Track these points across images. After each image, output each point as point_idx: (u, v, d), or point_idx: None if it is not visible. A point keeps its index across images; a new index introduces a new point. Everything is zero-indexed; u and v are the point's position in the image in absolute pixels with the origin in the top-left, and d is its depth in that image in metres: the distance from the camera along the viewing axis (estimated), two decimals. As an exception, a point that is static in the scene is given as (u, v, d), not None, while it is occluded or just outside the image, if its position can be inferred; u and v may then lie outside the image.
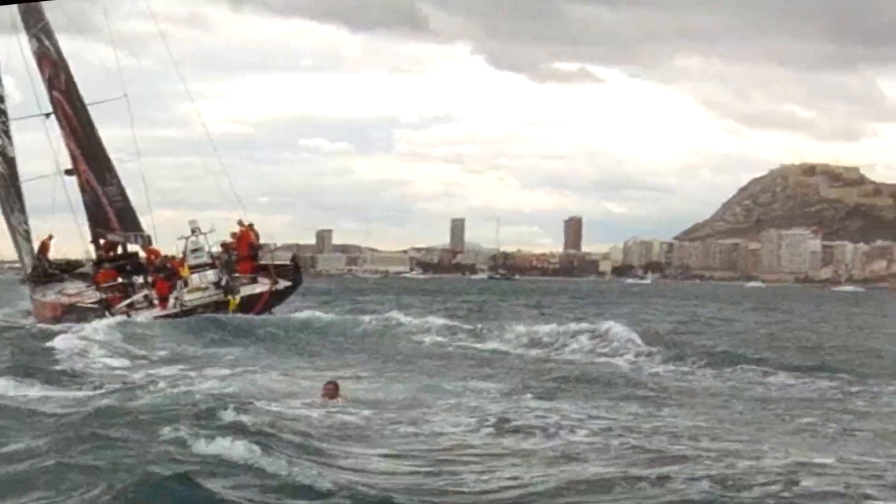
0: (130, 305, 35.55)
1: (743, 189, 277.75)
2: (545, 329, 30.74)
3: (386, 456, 13.12)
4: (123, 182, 40.34)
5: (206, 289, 35.67)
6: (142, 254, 39.48)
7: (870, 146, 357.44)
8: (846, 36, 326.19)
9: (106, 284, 36.53)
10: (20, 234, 40.36)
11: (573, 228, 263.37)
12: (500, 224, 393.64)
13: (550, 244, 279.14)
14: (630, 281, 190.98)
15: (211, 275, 35.97)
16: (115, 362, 24.10)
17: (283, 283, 37.00)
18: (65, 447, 12.05)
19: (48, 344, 25.92)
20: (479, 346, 29.41)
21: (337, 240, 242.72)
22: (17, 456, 11.93)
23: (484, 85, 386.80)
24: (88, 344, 26.29)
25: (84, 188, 40.01)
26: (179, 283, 35.66)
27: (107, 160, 40.47)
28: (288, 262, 39.27)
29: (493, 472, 12.03)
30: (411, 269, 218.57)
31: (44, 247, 40.11)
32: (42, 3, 44.17)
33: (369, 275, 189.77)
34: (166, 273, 36.56)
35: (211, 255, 36.63)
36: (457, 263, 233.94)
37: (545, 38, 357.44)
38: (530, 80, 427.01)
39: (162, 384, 19.36)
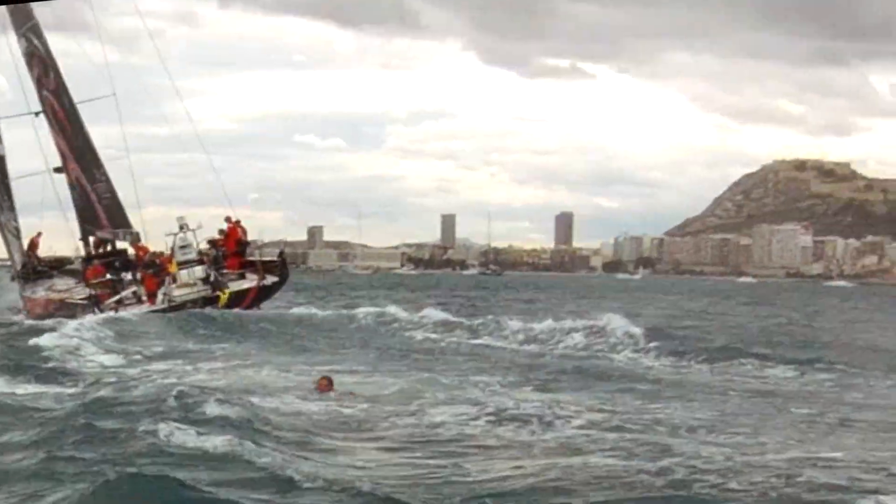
0: (119, 301, 35.74)
1: (734, 184, 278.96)
2: (541, 326, 30.60)
3: (382, 448, 13.00)
4: (113, 179, 40.57)
5: (195, 285, 36.03)
6: (131, 250, 39.57)
7: (861, 141, 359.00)
8: (837, 31, 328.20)
9: (95, 281, 36.73)
10: (10, 231, 40.59)
11: (564, 224, 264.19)
12: (492, 219, 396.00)
13: (542, 240, 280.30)
14: (621, 276, 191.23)
15: (199, 271, 36.28)
16: (105, 358, 23.92)
17: (270, 279, 37.34)
18: (51, 439, 12.02)
19: (37, 340, 25.76)
20: (474, 341, 29.30)
21: (328, 236, 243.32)
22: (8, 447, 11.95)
23: (475, 81, 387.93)
24: (78, 340, 26.16)
25: (73, 186, 40.16)
26: (168, 279, 35.91)
27: (96, 158, 40.65)
28: (275, 259, 39.51)
29: (494, 462, 11.90)
30: (402, 265, 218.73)
31: (33, 244, 40.38)
32: (32, 2, 44.21)
33: (360, 271, 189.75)
34: (155, 269, 36.81)
35: (199, 252, 36.83)
36: (448, 259, 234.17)
37: (536, 34, 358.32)
38: (521, 76, 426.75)
39: (155, 377, 19.26)
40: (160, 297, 35.44)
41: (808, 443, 13.57)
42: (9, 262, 42.51)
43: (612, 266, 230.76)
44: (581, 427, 14.31)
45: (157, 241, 38.66)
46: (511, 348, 27.87)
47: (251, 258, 38.24)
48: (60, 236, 41.10)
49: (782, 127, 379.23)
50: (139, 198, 40.51)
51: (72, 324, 29.39)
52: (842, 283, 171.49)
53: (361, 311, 36.31)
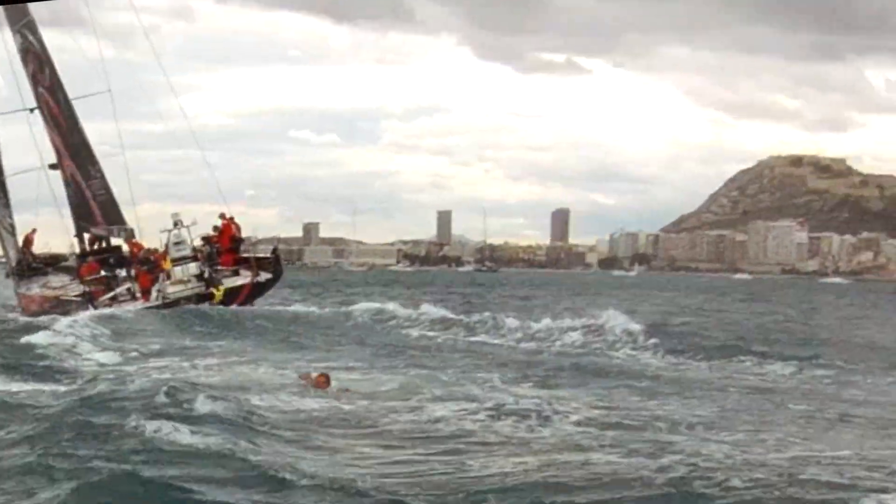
0: (114, 298, 35.80)
1: (730, 180, 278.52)
2: (538, 325, 30.51)
3: (381, 445, 12.92)
4: (108, 176, 40.57)
5: (189, 281, 36.12)
6: (125, 247, 39.53)
7: (857, 137, 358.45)
8: (833, 25, 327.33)
9: (89, 278, 36.76)
10: (4, 228, 40.45)
11: (560, 220, 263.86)
12: (487, 216, 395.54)
13: (537, 236, 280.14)
14: (616, 273, 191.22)
15: (193, 267, 36.37)
16: (102, 355, 23.84)
17: (264, 276, 37.46)
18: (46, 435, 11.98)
19: (31, 338, 25.65)
20: (471, 338, 29.25)
21: (324, 232, 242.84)
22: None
23: (470, 76, 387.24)
24: (74, 338, 26.07)
25: (68, 182, 40.17)
26: (162, 275, 35.94)
27: (91, 155, 40.67)
28: (269, 255, 39.50)
29: (495, 459, 11.84)
30: (398, 262, 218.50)
31: (28, 241, 40.25)
32: (30, 1, 44.14)
33: (356, 268, 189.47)
34: (149, 266, 36.82)
35: (193, 248, 36.83)
36: (443, 256, 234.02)
37: (530, 29, 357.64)
38: (516, 71, 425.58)
39: (153, 374, 19.20)
40: (154, 293, 35.54)
41: (808, 440, 13.55)
42: (3, 259, 42.43)
43: (608, 263, 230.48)
44: (580, 423, 14.28)
45: (151, 238, 38.76)
46: (508, 345, 27.82)
47: (245, 255, 38.30)
48: (55, 233, 41.29)
49: (778, 122, 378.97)
50: (134, 194, 40.50)
51: (66, 321, 29.29)
52: (837, 279, 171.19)
53: (357, 308, 36.32)
